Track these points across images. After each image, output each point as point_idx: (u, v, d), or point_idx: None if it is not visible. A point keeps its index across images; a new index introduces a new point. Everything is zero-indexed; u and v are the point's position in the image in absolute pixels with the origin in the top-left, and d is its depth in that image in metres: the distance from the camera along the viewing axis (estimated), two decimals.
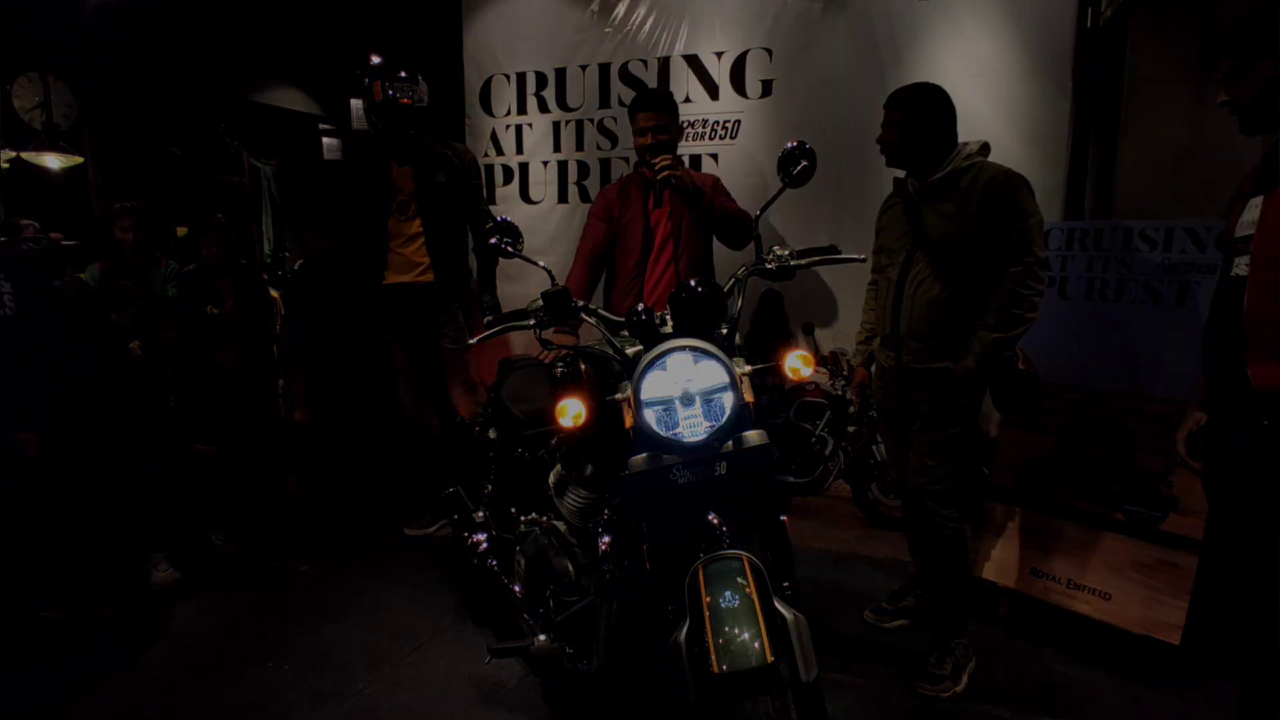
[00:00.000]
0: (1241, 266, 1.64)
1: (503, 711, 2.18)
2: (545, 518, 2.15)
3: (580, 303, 1.71)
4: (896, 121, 2.25)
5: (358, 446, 3.84)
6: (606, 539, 1.78)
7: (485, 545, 2.52)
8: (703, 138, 3.26)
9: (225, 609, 2.81)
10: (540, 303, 1.76)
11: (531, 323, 1.75)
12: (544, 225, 3.61)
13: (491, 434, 2.65)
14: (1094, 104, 2.84)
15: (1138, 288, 2.52)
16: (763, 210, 1.79)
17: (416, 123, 3.19)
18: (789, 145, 1.80)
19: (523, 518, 2.24)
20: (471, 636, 2.59)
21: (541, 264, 1.81)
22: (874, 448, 3.22)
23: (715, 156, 3.26)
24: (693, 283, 1.58)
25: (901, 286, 2.26)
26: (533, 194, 3.65)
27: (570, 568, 1.96)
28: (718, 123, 3.22)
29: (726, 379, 1.50)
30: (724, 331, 1.60)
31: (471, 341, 1.84)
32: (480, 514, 2.63)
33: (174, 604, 2.84)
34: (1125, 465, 2.47)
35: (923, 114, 2.25)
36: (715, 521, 1.82)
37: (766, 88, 3.13)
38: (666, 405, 1.51)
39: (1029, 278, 2.11)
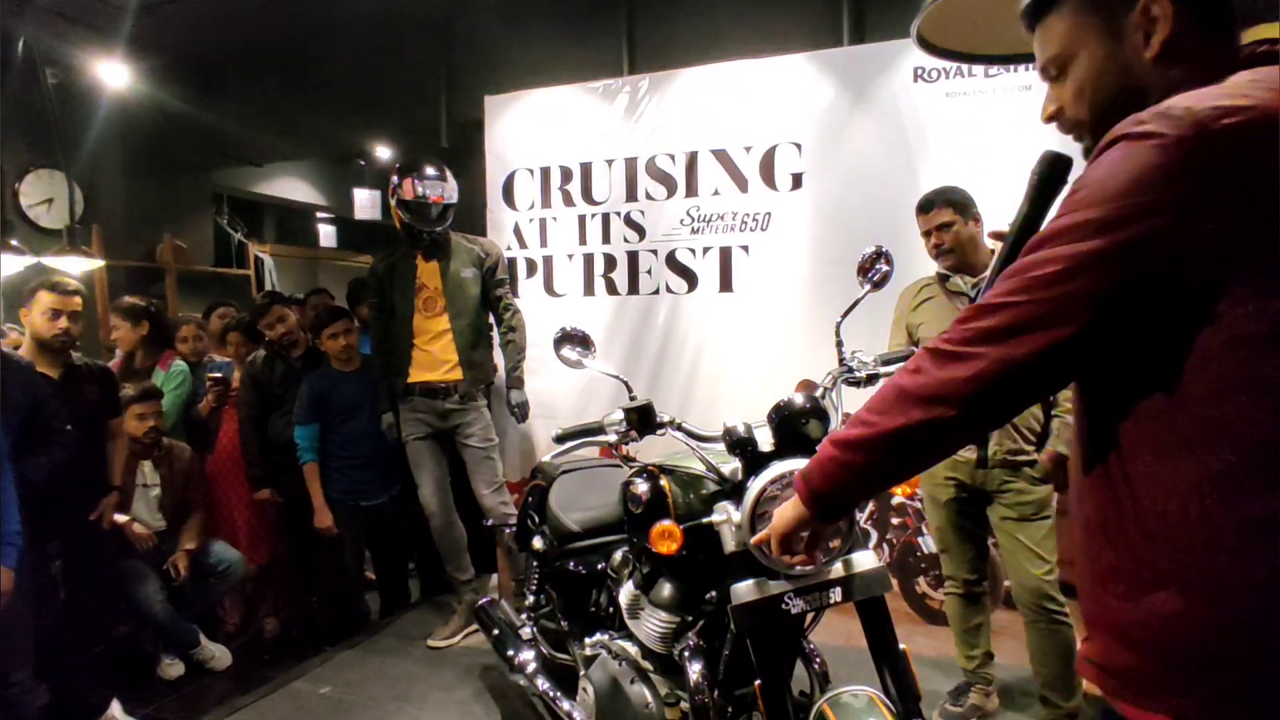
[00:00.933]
0: None
1: None
2: (612, 638, 2.01)
3: (667, 417, 1.64)
4: (951, 221, 2.29)
5: (375, 548, 3.66)
6: (696, 667, 1.65)
7: (534, 665, 2.36)
8: (733, 229, 3.27)
9: None
10: (617, 416, 1.68)
11: (613, 438, 1.67)
12: (569, 317, 3.54)
13: (537, 544, 2.52)
14: None
15: None
16: (844, 316, 1.75)
17: (445, 219, 3.17)
18: (868, 251, 1.78)
19: (587, 639, 2.09)
20: None
21: (617, 374, 1.74)
22: (919, 540, 3.13)
23: (746, 248, 3.27)
24: (796, 396, 1.52)
25: None
26: (557, 287, 3.62)
27: (649, 697, 1.82)
28: (748, 215, 3.24)
29: None
30: None
31: (547, 459, 1.75)
32: (527, 630, 2.48)
33: None
34: None
35: (972, 210, 2.33)
36: (811, 645, 1.73)
37: (797, 180, 3.17)
38: None
39: None
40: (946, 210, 2.34)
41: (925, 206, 2.39)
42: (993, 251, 2.39)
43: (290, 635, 3.49)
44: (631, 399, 1.68)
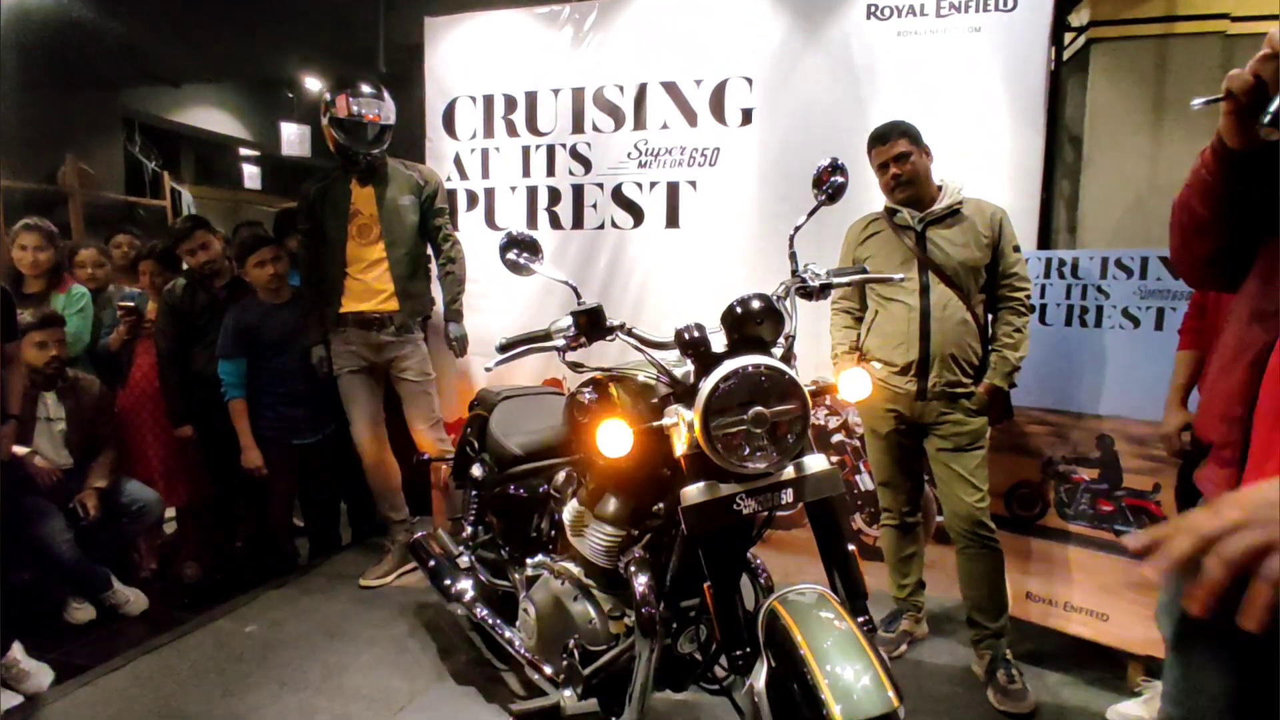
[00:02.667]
0: None
1: None
2: (554, 559, 1.97)
3: (618, 321, 1.58)
4: (909, 152, 2.29)
5: (305, 488, 3.51)
6: (642, 579, 1.63)
7: (472, 593, 2.31)
8: (681, 164, 3.21)
9: (160, 679, 2.44)
10: (565, 322, 1.61)
11: (561, 343, 1.60)
12: None
13: (476, 471, 2.45)
14: (1062, 140, 2.97)
15: (1116, 314, 2.60)
16: (798, 228, 1.72)
17: (381, 141, 3.01)
18: (823, 163, 1.75)
19: (529, 561, 2.05)
20: (456, 698, 2.34)
21: (566, 280, 1.68)
22: (857, 478, 3.19)
23: (694, 184, 3.21)
24: (747, 296, 1.49)
25: (927, 311, 2.29)
26: (499, 220, 3.50)
27: (593, 613, 1.79)
28: (697, 150, 3.19)
29: (797, 401, 1.41)
30: (781, 350, 1.51)
31: (489, 366, 1.67)
32: (465, 559, 2.42)
33: (96, 676, 2.45)
34: (1113, 486, 2.52)
35: (924, 143, 2.34)
36: (756, 559, 1.72)
37: (747, 116, 3.13)
38: (733, 432, 1.39)
39: (1027, 302, 2.37)
40: (904, 140, 2.33)
41: (881, 137, 2.37)
42: (939, 186, 2.43)
43: (212, 580, 3.33)
44: (580, 303, 1.62)
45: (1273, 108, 0.83)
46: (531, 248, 1.70)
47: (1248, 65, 0.87)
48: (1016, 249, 2.39)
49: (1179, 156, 2.81)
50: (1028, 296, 2.38)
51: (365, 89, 2.95)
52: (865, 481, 3.14)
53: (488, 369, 1.68)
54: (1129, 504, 2.49)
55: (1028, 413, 2.65)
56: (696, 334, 1.47)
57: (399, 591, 3.10)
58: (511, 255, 1.69)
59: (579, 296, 1.64)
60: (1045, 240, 2.99)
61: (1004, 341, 2.35)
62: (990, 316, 2.44)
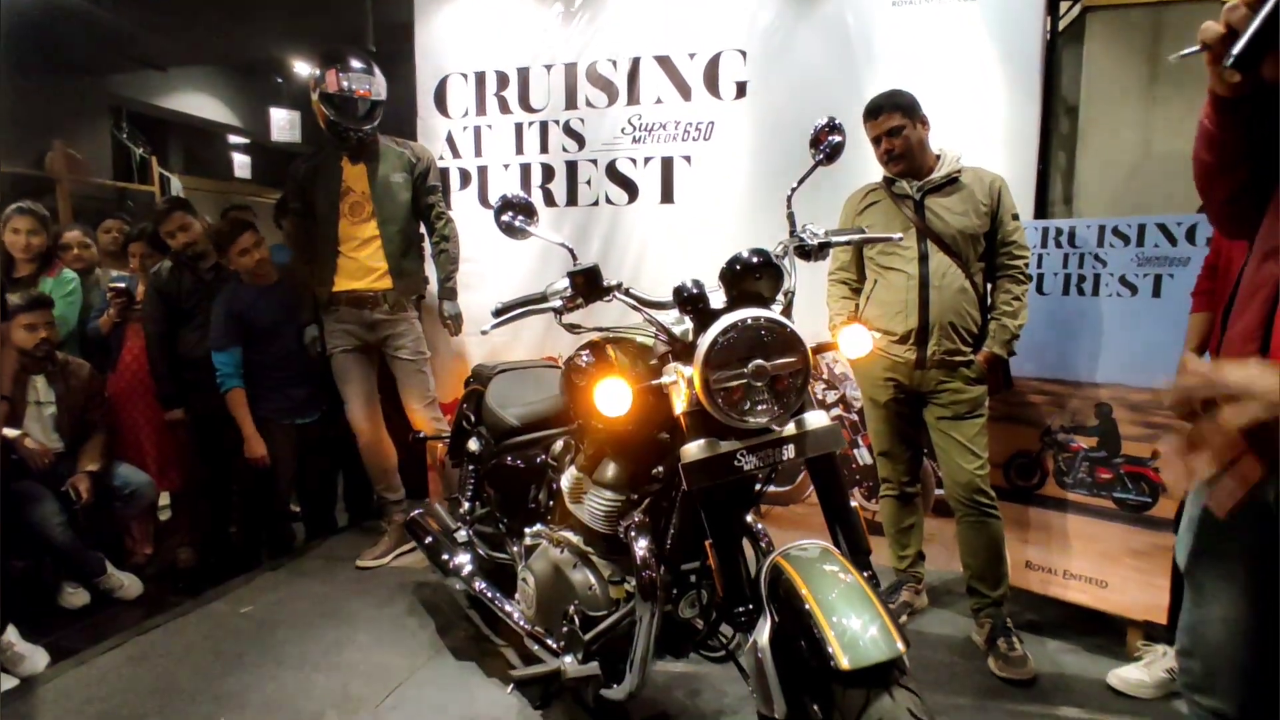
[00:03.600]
0: None
1: None
2: (553, 529, 1.95)
3: (615, 281, 1.56)
4: (901, 125, 2.28)
5: (300, 472, 3.48)
6: (642, 543, 1.61)
7: (470, 567, 2.30)
8: (675, 139, 3.18)
9: (156, 658, 2.42)
10: (562, 284, 1.59)
11: (557, 304, 1.58)
12: None
13: (473, 445, 2.43)
14: (1058, 110, 2.96)
15: (1114, 282, 2.59)
16: (796, 187, 1.70)
17: (372, 117, 2.97)
18: (820, 122, 1.73)
19: (527, 530, 2.03)
20: (455, 672, 2.33)
21: (563, 242, 1.66)
22: (855, 451, 3.18)
23: (688, 158, 3.19)
24: (746, 252, 1.47)
25: (925, 279, 2.28)
26: (493, 199, 3.46)
27: (593, 580, 1.78)
28: (691, 124, 3.16)
29: (798, 355, 1.39)
30: (780, 306, 1.49)
31: (485, 329, 1.65)
32: (463, 533, 2.40)
33: (92, 656, 2.43)
34: (1112, 454, 2.51)
35: (919, 114, 2.32)
36: (753, 520, 1.71)
37: (741, 89, 3.10)
38: (733, 385, 1.37)
39: (1026, 270, 2.37)
40: (896, 114, 2.32)
41: (874, 111, 2.36)
42: (938, 156, 2.42)
43: (207, 564, 3.31)
44: (576, 264, 1.60)
45: (1235, 50, 0.88)
46: (526, 210, 1.68)
47: (1220, 16, 0.90)
48: (1015, 217, 2.38)
49: (1175, 125, 2.80)
50: (1026, 265, 2.38)
51: (355, 64, 2.92)
52: (864, 455, 3.13)
53: (484, 332, 1.66)
54: (1127, 471, 2.49)
55: (1026, 383, 2.64)
56: (695, 290, 1.46)
57: (396, 572, 3.09)
58: (506, 218, 1.67)
59: (575, 259, 1.62)
60: (1042, 210, 2.98)
61: (1003, 310, 2.35)
62: (989, 285, 2.43)
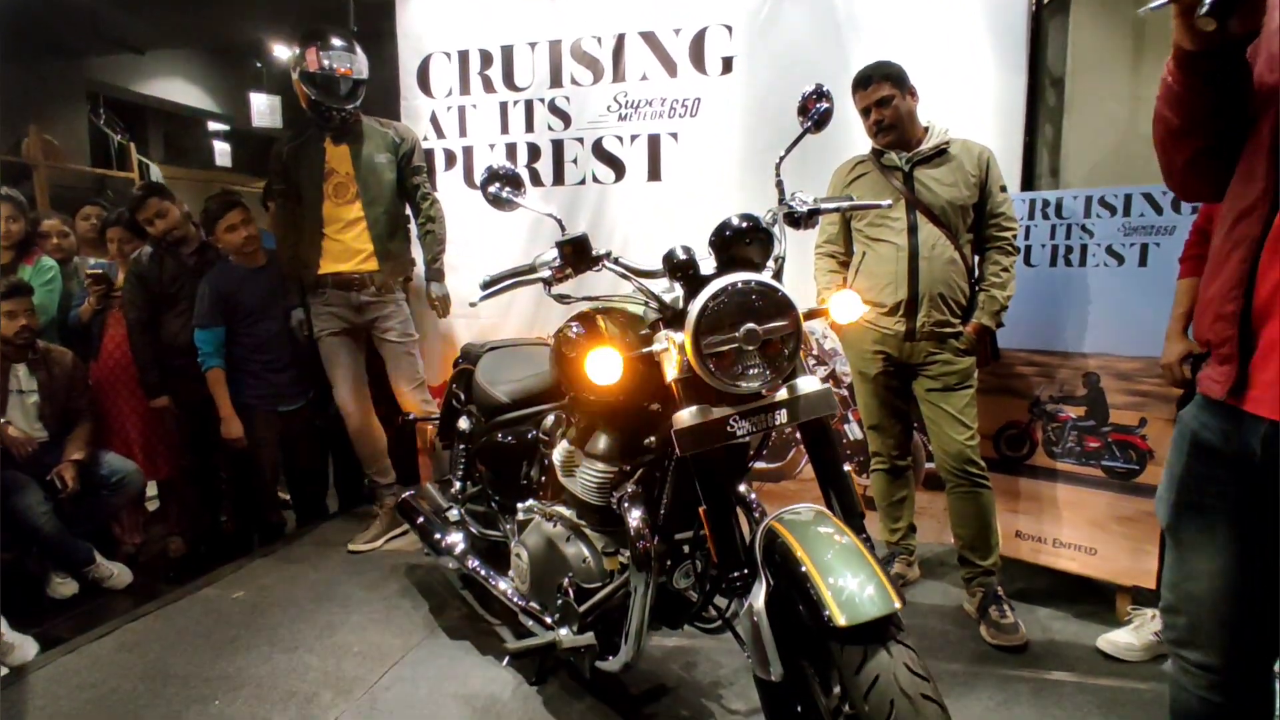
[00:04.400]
0: None
1: None
2: (546, 504, 1.95)
3: (604, 251, 1.55)
4: (890, 95, 2.27)
5: (289, 458, 3.46)
6: (636, 514, 1.61)
7: (463, 546, 2.29)
8: (661, 116, 3.16)
9: (148, 644, 2.41)
10: (550, 254, 1.58)
11: (546, 275, 1.57)
12: (491, 211, 3.37)
13: (463, 424, 2.42)
14: (1044, 82, 2.96)
15: (1100, 252, 2.60)
16: (784, 155, 1.69)
17: (354, 96, 2.93)
18: (808, 89, 1.72)
19: (519, 505, 2.03)
20: (450, 650, 2.33)
21: (551, 212, 1.64)
22: (845, 427, 3.19)
23: (675, 135, 3.17)
24: (735, 218, 1.46)
25: (915, 250, 2.27)
26: (478, 179, 3.42)
27: (586, 552, 1.78)
28: (677, 101, 3.13)
29: (789, 318, 1.38)
30: (771, 271, 1.48)
31: (474, 301, 1.63)
32: (454, 512, 2.39)
33: (82, 644, 2.41)
34: (1100, 422, 2.53)
35: (908, 84, 2.32)
36: (750, 493, 1.71)
37: (727, 64, 3.08)
38: (724, 350, 1.37)
39: (1014, 242, 2.37)
40: (885, 85, 2.31)
41: (863, 81, 2.35)
42: (926, 127, 2.41)
43: (197, 554, 3.29)
44: (565, 234, 1.58)
45: (1158, 1, 0.93)
46: (513, 181, 1.67)
47: None
48: (1004, 189, 2.39)
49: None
50: (1015, 236, 2.38)
51: (336, 42, 2.88)
52: (854, 431, 3.14)
53: (473, 304, 1.65)
54: (1115, 439, 2.51)
55: (1015, 355, 2.66)
56: (685, 257, 1.45)
57: (388, 555, 3.08)
58: (494, 189, 1.65)
59: (564, 229, 1.60)
60: (1029, 183, 2.98)
61: (991, 281, 2.35)
62: (977, 257, 2.43)
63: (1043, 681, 2.09)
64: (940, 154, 2.34)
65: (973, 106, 2.83)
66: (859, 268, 2.44)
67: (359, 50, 2.93)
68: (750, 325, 1.35)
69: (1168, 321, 2.20)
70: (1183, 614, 1.13)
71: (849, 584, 1.13)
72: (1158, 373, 2.25)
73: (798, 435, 3.23)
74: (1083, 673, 2.13)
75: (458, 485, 2.46)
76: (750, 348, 1.36)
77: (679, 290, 1.47)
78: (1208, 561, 1.07)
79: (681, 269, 1.44)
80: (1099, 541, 2.51)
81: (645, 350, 1.46)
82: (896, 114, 2.31)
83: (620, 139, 3.23)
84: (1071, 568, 2.56)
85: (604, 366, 1.44)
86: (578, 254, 1.54)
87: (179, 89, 5.55)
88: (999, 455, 2.69)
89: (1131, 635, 2.22)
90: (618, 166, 3.26)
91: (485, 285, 1.65)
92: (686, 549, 1.70)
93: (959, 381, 2.37)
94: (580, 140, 3.28)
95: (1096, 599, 2.50)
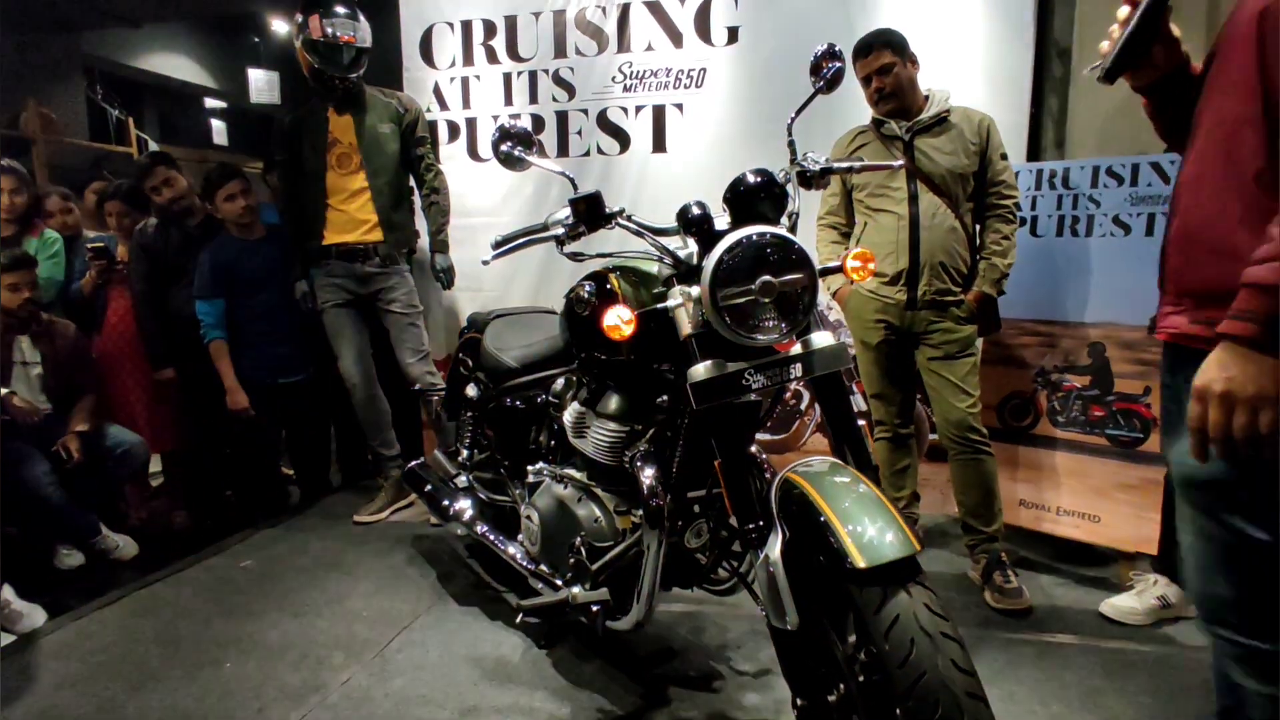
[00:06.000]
0: None
1: (517, 687, 1.96)
2: (556, 467, 1.96)
3: (618, 208, 1.55)
4: (892, 63, 2.26)
5: (292, 432, 3.46)
6: (649, 472, 1.62)
7: (471, 512, 2.30)
8: (666, 87, 3.15)
9: (157, 610, 2.42)
10: (563, 213, 1.57)
11: (559, 233, 1.57)
12: (495, 183, 3.39)
13: (471, 391, 2.43)
14: (1051, 53, 2.95)
15: (1107, 222, 2.61)
16: (796, 114, 1.68)
17: (357, 65, 2.91)
18: (819, 48, 1.70)
19: (529, 468, 2.03)
20: (459, 616, 2.34)
21: (563, 171, 1.64)
22: (849, 398, 3.19)
23: (680, 106, 3.15)
24: (749, 174, 1.46)
25: (916, 219, 2.27)
26: (482, 151, 3.42)
27: (598, 512, 1.79)
28: (682, 71, 3.12)
29: (805, 271, 1.38)
30: (786, 227, 1.48)
31: (486, 260, 1.63)
32: (463, 479, 2.40)
33: (91, 610, 2.42)
34: (1105, 391, 2.55)
35: (909, 52, 2.31)
36: (754, 450, 1.72)
37: (733, 34, 3.06)
38: (740, 303, 1.37)
39: (1015, 211, 2.37)
40: (886, 52, 2.30)
41: (864, 49, 2.34)
42: (926, 96, 2.40)
43: (202, 527, 3.29)
44: (577, 192, 1.58)
45: (1096, 63, 1.16)
46: (525, 140, 1.65)
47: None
48: (1004, 156, 2.38)
49: None
50: (1015, 205, 2.38)
51: (339, 9, 2.85)
52: (857, 402, 3.14)
53: (485, 262, 1.64)
54: (1119, 408, 2.53)
55: (1019, 324, 2.66)
56: (699, 212, 1.44)
57: (394, 527, 3.09)
58: (505, 148, 1.64)
59: (575, 187, 1.60)
60: (1035, 153, 2.98)
61: (992, 249, 2.35)
62: (978, 226, 2.43)
63: (1047, 645, 2.12)
64: (940, 122, 2.33)
65: (979, 77, 2.83)
66: (860, 238, 2.44)
67: (362, 18, 2.91)
68: (766, 277, 1.35)
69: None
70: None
71: (868, 529, 1.14)
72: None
73: (802, 406, 3.28)
74: (1086, 636, 2.16)
75: (465, 453, 2.47)
76: (766, 300, 1.36)
77: (693, 246, 1.47)
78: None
79: (696, 224, 1.44)
80: (1102, 509, 2.53)
81: (660, 306, 1.46)
82: (897, 82, 2.30)
83: (625, 110, 3.22)
84: (1074, 535, 2.58)
85: (617, 323, 1.44)
86: (591, 211, 1.53)
87: (176, 64, 5.49)
88: (1003, 425, 2.71)
89: (1134, 600, 2.24)
90: (622, 138, 3.24)
91: (497, 244, 1.64)
92: (698, 509, 1.71)
93: (960, 350, 2.38)
94: (585, 111, 3.26)
95: (1099, 565, 2.53)
